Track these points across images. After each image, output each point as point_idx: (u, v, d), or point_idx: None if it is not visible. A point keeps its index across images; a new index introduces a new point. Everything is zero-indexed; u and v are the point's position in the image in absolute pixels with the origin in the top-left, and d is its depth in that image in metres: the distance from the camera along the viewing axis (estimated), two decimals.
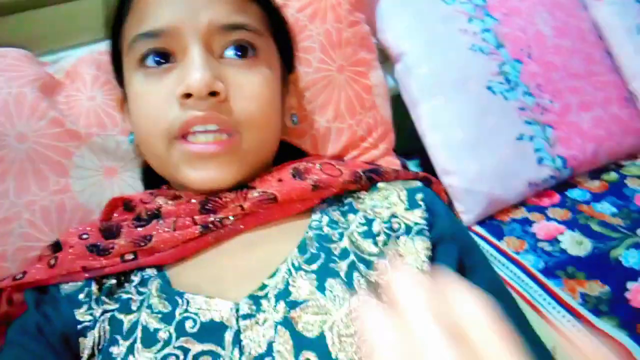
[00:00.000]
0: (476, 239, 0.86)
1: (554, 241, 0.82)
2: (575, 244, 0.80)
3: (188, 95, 0.54)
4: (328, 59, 0.80)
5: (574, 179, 0.95)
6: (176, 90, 0.54)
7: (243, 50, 0.58)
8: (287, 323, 0.48)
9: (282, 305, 0.49)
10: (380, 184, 0.64)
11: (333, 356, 0.46)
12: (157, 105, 0.56)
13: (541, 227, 0.85)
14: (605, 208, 0.87)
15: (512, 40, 0.94)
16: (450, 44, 0.91)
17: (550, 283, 0.74)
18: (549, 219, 0.86)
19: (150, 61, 0.57)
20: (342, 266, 0.52)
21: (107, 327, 0.53)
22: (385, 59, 0.97)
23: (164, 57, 0.57)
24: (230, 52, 0.57)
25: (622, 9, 1.02)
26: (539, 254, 0.80)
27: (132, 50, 0.58)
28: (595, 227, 0.83)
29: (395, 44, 0.92)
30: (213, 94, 0.54)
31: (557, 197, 0.91)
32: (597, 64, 0.98)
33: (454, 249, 0.58)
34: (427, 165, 0.93)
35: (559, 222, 0.85)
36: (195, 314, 0.50)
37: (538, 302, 0.72)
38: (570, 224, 0.84)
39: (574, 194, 0.92)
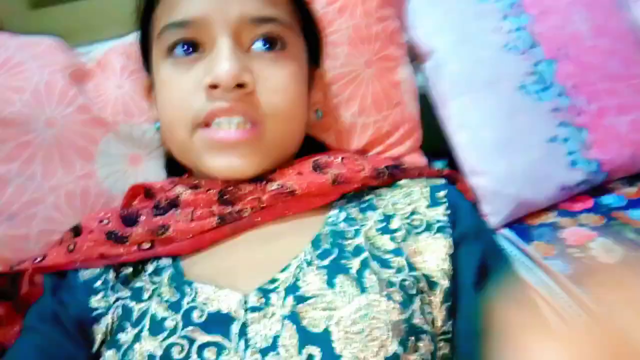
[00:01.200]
0: (503, 241, 0.83)
1: (584, 247, 0.78)
2: (606, 251, 0.77)
3: (215, 86, 0.54)
4: (356, 53, 0.79)
5: (610, 185, 0.91)
6: (204, 81, 0.55)
7: (272, 43, 0.58)
8: (294, 317, 0.47)
9: (290, 299, 0.49)
10: (402, 181, 0.62)
11: (337, 352, 0.45)
12: (184, 94, 0.57)
13: (571, 233, 0.81)
14: None
15: (547, 39, 0.90)
16: (482, 42, 0.89)
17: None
18: (580, 224, 0.83)
19: (179, 50, 0.57)
20: (354, 263, 0.51)
21: (119, 314, 0.53)
22: (413, 59, 0.96)
23: (193, 46, 0.57)
24: (258, 45, 0.57)
25: None
26: (567, 260, 0.77)
27: (161, 39, 0.58)
28: (630, 235, 0.79)
29: (425, 41, 0.90)
30: (240, 85, 0.54)
31: (590, 202, 0.88)
32: (637, 66, 0.93)
33: (478, 248, 0.56)
34: (454, 166, 0.90)
35: (591, 229, 0.82)
36: (204, 303, 0.50)
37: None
38: (603, 231, 0.81)
39: (608, 199, 0.88)
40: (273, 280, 0.51)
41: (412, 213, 0.58)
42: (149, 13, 0.62)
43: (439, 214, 0.57)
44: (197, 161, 0.59)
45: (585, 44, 0.91)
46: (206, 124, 0.56)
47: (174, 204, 0.60)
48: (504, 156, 0.85)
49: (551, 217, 0.86)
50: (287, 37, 0.59)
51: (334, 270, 0.50)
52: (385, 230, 0.56)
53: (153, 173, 0.73)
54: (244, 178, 0.58)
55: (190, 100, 0.56)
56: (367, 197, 0.61)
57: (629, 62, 0.93)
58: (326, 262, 0.51)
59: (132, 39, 0.76)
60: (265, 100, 0.56)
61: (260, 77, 0.56)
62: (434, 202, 0.59)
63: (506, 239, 0.83)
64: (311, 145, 0.69)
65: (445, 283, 0.53)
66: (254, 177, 0.59)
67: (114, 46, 0.81)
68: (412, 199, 0.59)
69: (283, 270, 0.51)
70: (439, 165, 1.00)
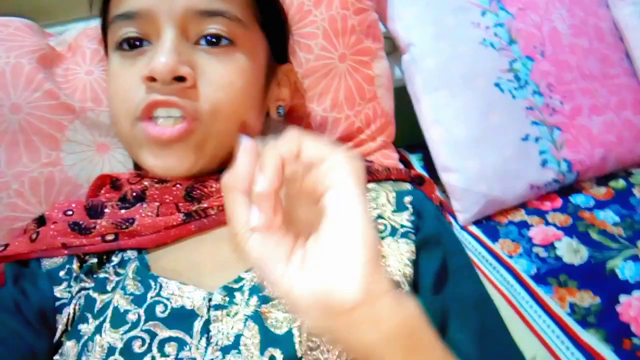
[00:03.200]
0: (470, 239, 0.84)
1: (550, 247, 0.79)
2: (572, 252, 0.78)
3: (153, 79, 0.53)
4: (330, 46, 0.78)
5: (579, 184, 0.92)
6: (141, 73, 0.54)
7: (216, 39, 0.56)
8: (257, 317, 0.48)
9: (254, 299, 0.49)
10: (369, 185, 0.62)
11: (298, 355, 0.45)
12: (127, 87, 0.56)
13: (538, 232, 0.82)
14: (608, 216, 0.84)
15: (525, 37, 0.90)
16: (460, 37, 0.89)
17: (539, 290, 0.72)
18: (547, 223, 0.84)
19: (125, 44, 0.57)
20: None
21: (81, 305, 0.53)
22: (393, 50, 0.95)
23: (140, 40, 0.56)
24: (203, 40, 0.56)
25: None
26: (532, 259, 0.78)
27: (111, 30, 0.58)
28: (595, 236, 0.80)
29: (403, 34, 0.90)
30: (180, 79, 0.53)
31: (559, 202, 0.89)
32: (614, 66, 0.94)
33: (438, 252, 0.57)
34: (430, 160, 0.91)
35: (558, 228, 0.83)
36: (167, 298, 0.50)
37: (524, 309, 0.70)
38: (569, 231, 0.82)
39: (577, 199, 0.89)
40: (238, 280, 0.51)
41: (378, 217, 0.58)
42: (106, 2, 0.61)
43: (404, 219, 0.58)
44: (137, 156, 0.58)
45: (563, 42, 0.92)
46: (147, 116, 0.55)
47: (140, 197, 0.60)
48: (476, 153, 0.85)
49: (520, 215, 0.87)
50: (237, 32, 0.57)
51: None
52: None
53: (120, 162, 0.72)
54: (180, 175, 0.58)
55: (132, 93, 0.55)
56: None
57: (606, 62, 0.94)
58: None
59: None
60: (207, 95, 0.55)
61: (203, 71, 0.55)
62: (399, 208, 0.59)
63: (473, 237, 0.84)
64: None
65: (406, 287, 0.53)
66: (193, 174, 0.58)
67: (85, 29, 0.79)
68: (377, 203, 0.59)
69: (249, 270, 0.51)
70: (414, 159, 1.00)
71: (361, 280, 0.32)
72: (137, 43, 0.56)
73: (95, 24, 0.81)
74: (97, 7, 0.63)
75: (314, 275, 0.33)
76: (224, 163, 0.60)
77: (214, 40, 0.56)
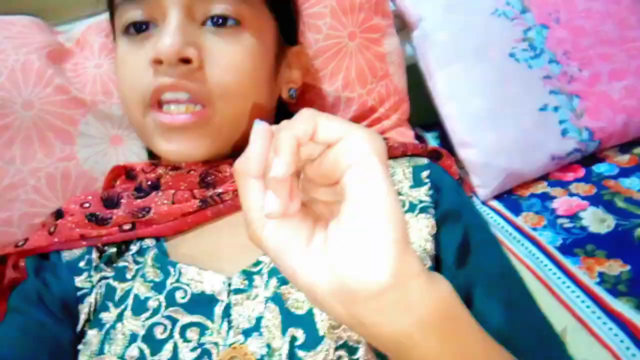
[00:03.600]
0: (492, 213, 0.82)
1: (575, 217, 0.78)
2: (598, 221, 0.76)
3: (160, 62, 0.53)
4: (339, 25, 0.77)
5: (602, 153, 0.90)
6: (148, 56, 0.54)
7: (223, 19, 0.55)
8: (277, 299, 0.47)
9: (274, 281, 0.48)
10: None
11: (320, 334, 0.45)
12: (135, 72, 0.56)
13: (562, 203, 0.80)
14: (633, 183, 0.82)
15: (538, 4, 0.88)
16: (471, 9, 0.87)
17: (566, 261, 0.71)
18: (571, 194, 0.82)
19: (131, 28, 0.57)
20: None
21: (102, 294, 0.53)
22: (403, 27, 0.94)
23: (146, 24, 0.56)
24: (209, 21, 0.55)
25: None
26: (557, 231, 0.76)
27: (118, 14, 0.58)
28: (621, 204, 0.78)
29: (413, 9, 0.88)
30: (186, 61, 0.53)
31: (582, 172, 0.87)
32: (632, 29, 0.91)
33: (460, 226, 0.56)
34: (446, 138, 0.89)
35: (582, 198, 0.81)
36: (187, 284, 0.50)
37: (552, 281, 0.69)
38: (594, 200, 0.80)
39: (600, 168, 0.87)
40: (257, 263, 0.50)
41: None
42: None
43: (422, 194, 0.56)
44: (150, 143, 0.58)
45: (577, 7, 0.89)
46: (157, 104, 0.55)
47: (155, 186, 0.60)
48: (493, 127, 0.83)
49: (542, 188, 0.85)
50: (244, 13, 0.56)
51: None
52: None
53: (135, 153, 0.72)
54: (196, 160, 0.58)
55: (140, 78, 0.55)
56: None
57: (623, 25, 0.91)
58: None
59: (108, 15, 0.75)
60: (214, 77, 0.54)
61: (210, 52, 0.55)
62: (417, 183, 0.58)
63: (495, 212, 0.82)
64: None
65: (428, 263, 0.52)
66: (208, 159, 0.58)
67: (92, 24, 0.79)
68: (394, 180, 0.58)
69: None
70: (430, 138, 0.98)
71: (390, 261, 0.29)
72: (144, 27, 0.56)
73: (96, 21, 0.82)
74: None
75: (337, 260, 0.31)
76: (237, 147, 0.59)
77: (220, 21, 0.55)
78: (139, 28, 0.56)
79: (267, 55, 0.61)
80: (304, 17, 0.75)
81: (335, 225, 0.32)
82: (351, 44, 0.77)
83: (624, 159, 0.88)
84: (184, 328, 0.47)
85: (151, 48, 0.54)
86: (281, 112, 0.66)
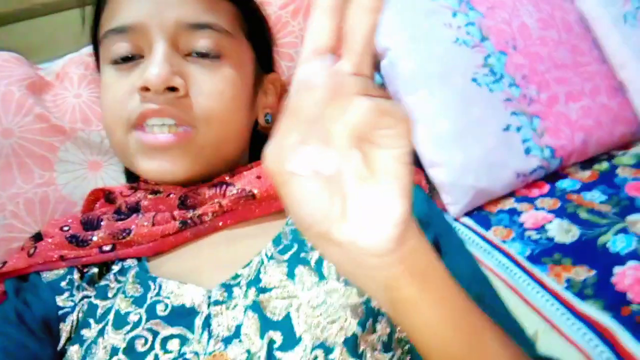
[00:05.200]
0: (464, 229, 0.85)
1: (541, 229, 0.81)
2: (563, 232, 0.79)
3: (147, 89, 0.55)
4: None
5: (565, 170, 0.94)
6: (136, 84, 0.56)
7: (207, 51, 0.59)
8: (256, 307, 0.48)
9: (252, 290, 0.50)
10: None
11: (297, 335, 0.46)
12: (120, 97, 0.58)
13: (529, 217, 0.84)
14: (595, 196, 0.86)
15: (496, 33, 0.94)
16: (434, 38, 0.92)
17: (535, 269, 0.73)
18: (537, 208, 0.86)
19: (119, 58, 0.59)
20: (314, 255, 0.52)
21: (83, 311, 0.54)
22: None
23: (133, 54, 0.59)
24: (193, 53, 0.59)
25: None
26: (525, 242, 0.79)
27: (104, 44, 0.60)
28: (584, 215, 0.82)
29: (380, 40, 0.93)
30: (172, 89, 0.56)
31: (546, 188, 0.91)
32: (584, 55, 0.97)
33: (429, 234, 0.58)
34: (418, 160, 0.92)
35: (548, 211, 0.84)
36: (167, 297, 0.51)
37: (523, 289, 0.71)
38: (559, 213, 0.83)
39: (563, 184, 0.91)
40: (236, 277, 0.52)
41: None
42: (97, 19, 0.63)
43: None
44: (132, 163, 0.60)
45: (533, 36, 0.95)
46: (140, 125, 0.57)
47: (135, 209, 0.61)
48: (460, 147, 0.87)
49: (509, 204, 0.88)
50: (225, 44, 0.60)
51: (294, 262, 0.52)
52: None
53: (113, 178, 0.73)
54: (176, 181, 0.59)
55: (126, 102, 0.58)
56: None
57: (576, 51, 0.97)
58: (286, 256, 0.53)
59: (89, 49, 0.77)
60: (199, 104, 0.57)
61: (195, 82, 0.58)
62: None
63: (466, 227, 0.85)
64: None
65: None
66: (187, 180, 0.59)
67: (72, 58, 0.82)
68: None
69: (245, 266, 0.52)
70: None
71: (395, 229, 0.32)
72: (130, 56, 0.59)
73: (75, 55, 0.84)
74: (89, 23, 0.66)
75: (355, 221, 0.32)
76: (215, 172, 0.61)
77: (203, 54, 0.59)
78: (125, 58, 0.59)
79: (247, 83, 0.64)
80: (278, 46, 0.79)
81: (357, 190, 0.32)
82: None
83: (585, 174, 0.93)
84: (165, 340, 0.48)
85: (138, 76, 0.57)
86: (256, 136, 0.68)
